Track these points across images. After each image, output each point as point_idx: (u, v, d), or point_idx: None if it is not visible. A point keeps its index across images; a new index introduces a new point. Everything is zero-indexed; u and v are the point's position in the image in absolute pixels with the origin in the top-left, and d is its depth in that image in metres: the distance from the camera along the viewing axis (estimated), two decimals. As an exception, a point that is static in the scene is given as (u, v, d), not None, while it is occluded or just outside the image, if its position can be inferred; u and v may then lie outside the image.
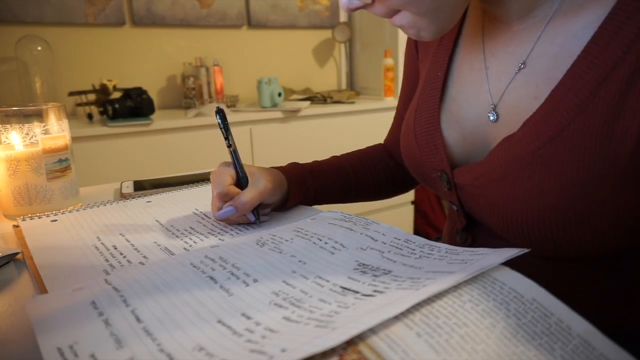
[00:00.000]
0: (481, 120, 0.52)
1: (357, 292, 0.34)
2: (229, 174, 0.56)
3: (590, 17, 0.43)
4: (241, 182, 0.57)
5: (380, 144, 0.79)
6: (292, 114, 1.87)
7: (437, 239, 0.66)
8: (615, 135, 0.40)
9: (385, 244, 0.44)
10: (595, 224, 0.42)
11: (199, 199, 0.69)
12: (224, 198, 0.55)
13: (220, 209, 0.55)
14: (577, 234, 0.43)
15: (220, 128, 0.57)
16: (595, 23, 0.42)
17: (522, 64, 0.48)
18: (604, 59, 0.41)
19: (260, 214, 0.58)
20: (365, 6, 0.45)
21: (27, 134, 0.65)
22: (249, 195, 0.54)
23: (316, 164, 0.68)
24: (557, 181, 0.42)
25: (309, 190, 0.64)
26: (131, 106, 1.67)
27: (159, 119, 1.68)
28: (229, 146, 0.57)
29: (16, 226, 0.61)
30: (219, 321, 0.32)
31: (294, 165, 0.65)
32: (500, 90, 0.50)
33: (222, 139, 0.57)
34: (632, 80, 0.39)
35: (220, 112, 0.56)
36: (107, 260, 0.47)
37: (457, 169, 0.53)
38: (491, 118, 0.51)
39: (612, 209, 0.41)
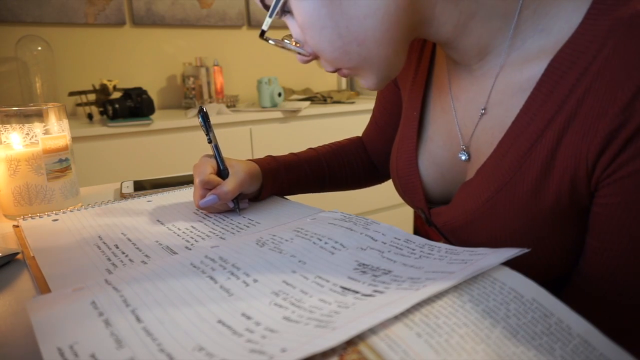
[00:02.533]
0: (455, 159, 0.55)
1: (357, 292, 0.34)
2: (210, 164, 0.62)
3: (532, 71, 0.45)
4: (222, 173, 0.62)
5: (358, 137, 0.83)
6: (292, 114, 1.87)
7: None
8: (546, 190, 0.43)
9: (385, 244, 0.44)
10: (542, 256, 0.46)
11: (199, 199, 0.69)
12: (206, 186, 0.60)
13: (202, 197, 0.59)
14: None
15: (202, 126, 0.62)
16: (537, 78, 0.44)
17: (483, 110, 0.50)
18: (541, 116, 0.43)
19: (240, 203, 0.63)
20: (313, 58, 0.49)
21: (27, 134, 0.65)
22: (230, 186, 0.59)
23: (291, 157, 0.72)
24: (504, 230, 0.47)
25: (282, 183, 0.68)
26: (131, 106, 1.67)
27: (159, 119, 1.68)
28: (210, 142, 0.62)
29: (16, 226, 0.61)
30: (219, 321, 0.32)
31: (269, 159, 0.69)
32: (468, 132, 0.52)
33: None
34: (560, 138, 0.42)
35: (201, 112, 0.62)
36: (109, 259, 0.47)
37: (432, 210, 0.57)
38: (462, 158, 0.53)
39: (547, 247, 0.45)
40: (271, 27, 0.46)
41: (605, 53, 0.39)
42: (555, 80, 0.42)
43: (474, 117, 0.51)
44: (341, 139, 0.83)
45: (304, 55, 0.49)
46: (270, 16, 0.45)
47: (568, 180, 0.42)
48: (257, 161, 0.67)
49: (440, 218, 0.55)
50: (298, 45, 0.49)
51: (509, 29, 0.45)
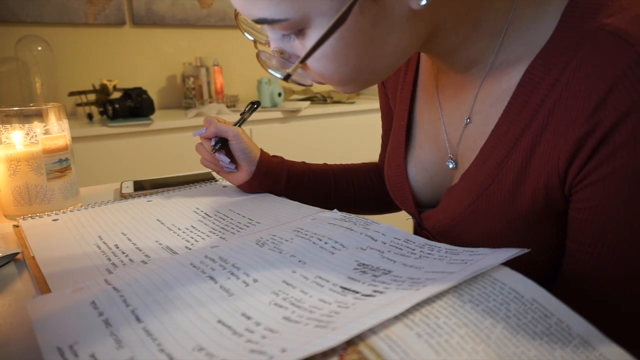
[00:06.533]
0: (443, 166, 0.56)
1: (357, 292, 0.34)
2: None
3: (509, 83, 0.46)
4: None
5: (374, 162, 0.82)
6: (292, 114, 1.87)
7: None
8: (522, 196, 0.45)
9: (385, 243, 0.44)
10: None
11: (199, 199, 0.69)
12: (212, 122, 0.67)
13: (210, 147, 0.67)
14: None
15: (243, 113, 0.72)
16: (513, 89, 0.46)
17: (468, 119, 0.51)
18: (517, 125, 0.45)
19: (223, 156, 0.68)
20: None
21: (27, 134, 0.65)
22: (224, 123, 0.67)
23: (300, 163, 0.74)
24: (485, 232, 0.48)
25: (280, 179, 0.70)
26: (131, 106, 1.67)
27: (159, 119, 1.68)
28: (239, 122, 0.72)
29: (16, 226, 0.61)
30: (219, 321, 0.32)
31: (276, 156, 0.72)
32: (455, 140, 0.53)
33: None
34: (534, 146, 0.43)
35: (255, 104, 0.73)
36: (109, 260, 0.47)
37: (422, 214, 0.58)
38: (450, 166, 0.54)
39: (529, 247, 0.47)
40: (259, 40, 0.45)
41: (573, 65, 0.41)
42: (530, 91, 0.44)
43: (460, 125, 0.53)
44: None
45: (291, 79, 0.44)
46: (302, 62, 0.40)
47: (542, 187, 0.43)
48: (263, 152, 0.70)
49: (429, 221, 0.56)
50: (282, 55, 0.44)
51: (496, 45, 0.47)
